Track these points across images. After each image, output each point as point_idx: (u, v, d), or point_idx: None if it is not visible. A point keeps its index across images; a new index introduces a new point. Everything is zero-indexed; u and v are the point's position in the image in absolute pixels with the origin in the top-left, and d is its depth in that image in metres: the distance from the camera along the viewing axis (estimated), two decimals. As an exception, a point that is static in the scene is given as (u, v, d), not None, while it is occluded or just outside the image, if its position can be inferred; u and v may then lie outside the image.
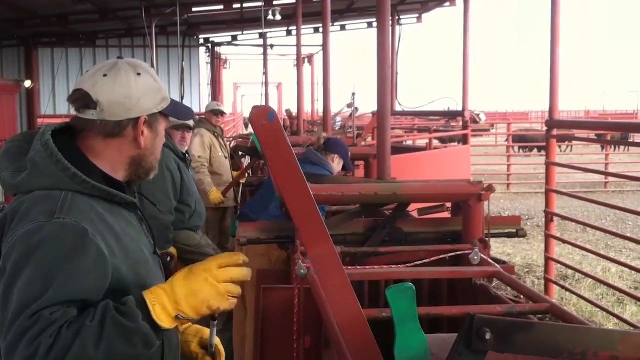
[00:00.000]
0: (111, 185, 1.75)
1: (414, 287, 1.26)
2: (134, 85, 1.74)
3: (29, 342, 1.45)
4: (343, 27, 17.13)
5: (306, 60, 21.77)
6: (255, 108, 1.54)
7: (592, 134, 18.17)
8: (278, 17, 12.51)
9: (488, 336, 1.14)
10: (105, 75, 1.74)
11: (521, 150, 25.10)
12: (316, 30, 16.73)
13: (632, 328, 5.81)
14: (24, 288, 1.51)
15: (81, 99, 1.72)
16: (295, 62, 13.24)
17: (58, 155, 1.66)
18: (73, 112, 1.82)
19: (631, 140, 17.48)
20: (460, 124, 11.62)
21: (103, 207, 1.70)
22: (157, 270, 1.87)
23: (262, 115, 1.43)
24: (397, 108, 13.37)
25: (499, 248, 9.94)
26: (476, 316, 1.15)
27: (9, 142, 1.78)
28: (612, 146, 21.94)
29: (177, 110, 1.89)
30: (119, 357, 1.49)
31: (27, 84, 14.36)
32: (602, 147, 20.99)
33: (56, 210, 1.59)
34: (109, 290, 1.61)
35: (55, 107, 16.89)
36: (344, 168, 5.14)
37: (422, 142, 13.48)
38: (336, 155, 4.98)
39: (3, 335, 1.51)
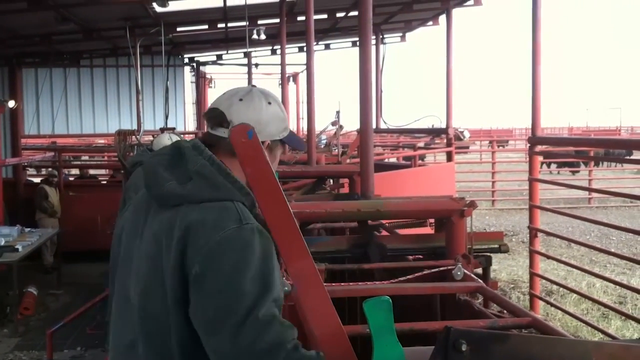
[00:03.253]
0: None
1: (390, 300, 1.27)
2: (265, 111, 1.92)
3: (267, 339, 1.56)
4: (327, 46, 17.20)
5: (291, 78, 21.83)
6: (235, 126, 1.56)
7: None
8: (262, 37, 12.56)
9: (464, 347, 1.15)
10: (240, 100, 1.92)
11: (543, 167, 24.81)
12: (300, 49, 16.80)
13: (616, 342, 5.83)
14: (246, 288, 1.62)
15: (216, 117, 1.91)
16: (280, 81, 13.28)
17: (227, 169, 1.80)
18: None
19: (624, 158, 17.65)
20: (445, 141, 11.70)
21: None
22: None
23: (241, 133, 1.45)
24: (382, 126, 13.44)
25: (484, 264, 9.96)
26: (452, 328, 1.16)
27: (156, 155, 1.90)
28: (597, 162, 22.07)
29: (293, 140, 2.05)
30: None
31: (11, 104, 14.26)
32: (585, 164, 21.13)
33: (240, 217, 1.72)
34: None
35: (39, 127, 16.79)
36: None
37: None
38: None
39: (225, 332, 1.59)
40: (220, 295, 1.62)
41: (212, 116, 1.92)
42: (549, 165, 24.88)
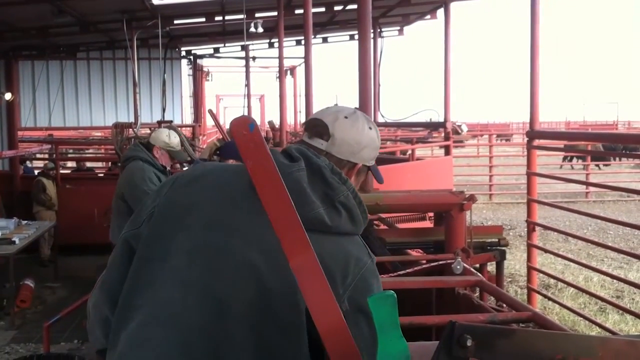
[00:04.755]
0: None
1: (395, 295, 1.26)
2: (366, 134, 1.90)
3: None
4: (325, 40, 17.17)
5: (288, 72, 21.81)
6: (235, 119, 1.54)
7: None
8: (260, 30, 12.53)
9: (469, 343, 1.14)
10: (346, 117, 1.89)
11: (569, 160, 24.67)
12: (298, 42, 16.77)
13: (613, 336, 5.84)
14: None
15: (319, 127, 1.87)
16: (278, 74, 13.26)
17: (365, 206, 1.79)
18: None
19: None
20: (442, 135, 11.70)
21: None
22: None
23: (242, 125, 1.43)
24: (380, 119, 13.43)
25: (482, 258, 9.97)
26: (457, 323, 1.15)
27: (296, 170, 1.73)
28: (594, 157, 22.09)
29: (376, 171, 2.03)
30: None
31: (8, 96, 14.23)
32: (583, 158, 21.19)
33: (368, 251, 1.76)
34: None
35: (35, 119, 16.76)
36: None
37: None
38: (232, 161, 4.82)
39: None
40: (367, 327, 1.57)
41: (314, 126, 1.88)
42: (570, 159, 24.69)
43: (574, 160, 24.70)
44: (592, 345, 1.17)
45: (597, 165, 22.48)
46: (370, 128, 1.92)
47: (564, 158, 24.46)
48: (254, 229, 1.67)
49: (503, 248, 4.24)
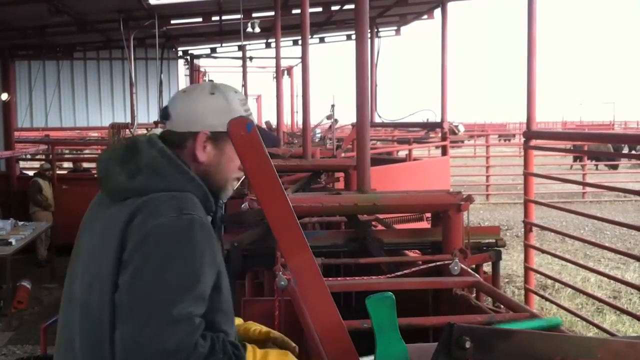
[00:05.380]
0: None
1: (393, 296, 1.26)
2: (202, 101, 1.87)
3: (174, 337, 1.52)
4: (322, 40, 17.17)
5: (285, 72, 21.77)
6: (233, 119, 1.54)
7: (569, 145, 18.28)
8: (257, 30, 12.52)
9: (468, 344, 1.14)
10: (184, 92, 1.94)
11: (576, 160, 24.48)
12: (295, 42, 16.74)
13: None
14: (168, 280, 1.57)
15: (164, 112, 1.92)
16: (275, 74, 13.25)
17: (177, 161, 1.79)
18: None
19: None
20: (440, 135, 11.70)
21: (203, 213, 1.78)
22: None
23: (239, 126, 1.43)
24: (377, 120, 13.43)
25: (479, 258, 9.97)
26: (455, 324, 1.15)
27: (110, 150, 1.87)
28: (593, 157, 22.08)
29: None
30: None
31: (4, 96, 14.21)
32: (579, 158, 21.20)
33: (183, 207, 1.67)
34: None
35: (32, 120, 16.71)
36: None
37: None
38: None
39: (134, 319, 1.55)
40: (140, 282, 1.57)
41: (162, 115, 1.94)
42: (577, 159, 24.51)
43: (581, 160, 24.62)
44: (590, 347, 1.17)
45: (596, 166, 22.45)
46: (212, 94, 1.89)
47: (574, 159, 24.30)
48: (98, 220, 1.81)
49: (498, 248, 4.24)
